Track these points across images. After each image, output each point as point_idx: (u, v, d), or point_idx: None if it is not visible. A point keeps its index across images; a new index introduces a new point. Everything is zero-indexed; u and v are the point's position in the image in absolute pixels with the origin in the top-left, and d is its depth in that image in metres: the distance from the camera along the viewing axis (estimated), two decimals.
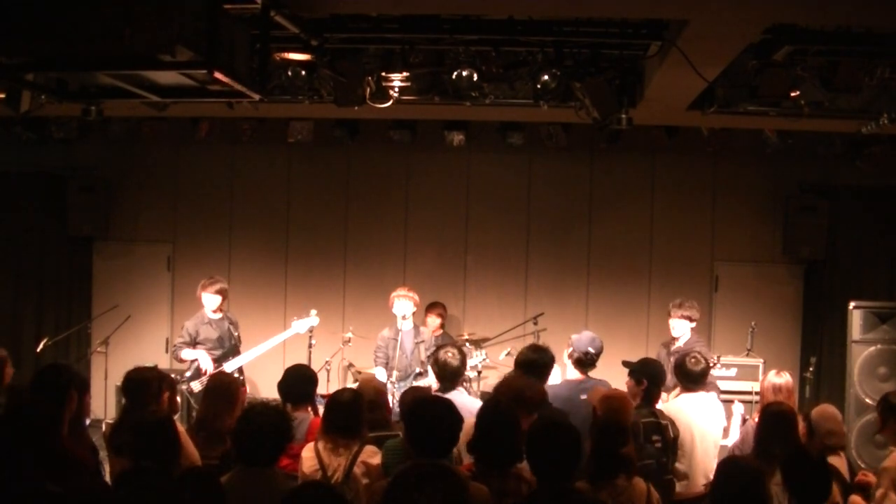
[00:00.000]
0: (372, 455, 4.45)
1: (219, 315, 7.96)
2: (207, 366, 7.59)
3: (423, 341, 7.92)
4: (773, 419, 4.86)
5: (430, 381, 6.28)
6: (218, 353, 7.78)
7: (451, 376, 5.42)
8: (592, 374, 5.92)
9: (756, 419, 5.50)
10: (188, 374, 7.65)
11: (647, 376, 5.49)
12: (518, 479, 3.96)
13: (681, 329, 7.38)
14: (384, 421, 5.02)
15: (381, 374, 7.66)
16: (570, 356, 5.89)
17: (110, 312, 9.18)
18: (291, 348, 8.63)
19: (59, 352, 9.07)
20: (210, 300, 7.88)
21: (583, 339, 5.89)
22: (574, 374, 5.84)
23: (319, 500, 3.04)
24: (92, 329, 9.41)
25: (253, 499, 3.72)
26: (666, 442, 5.26)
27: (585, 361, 5.79)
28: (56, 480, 3.46)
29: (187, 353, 7.76)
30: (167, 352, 9.66)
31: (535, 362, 5.54)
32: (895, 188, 9.11)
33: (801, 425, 5.04)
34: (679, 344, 7.33)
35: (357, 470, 4.36)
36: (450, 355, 5.44)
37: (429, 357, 7.44)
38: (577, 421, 4.83)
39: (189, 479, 3.50)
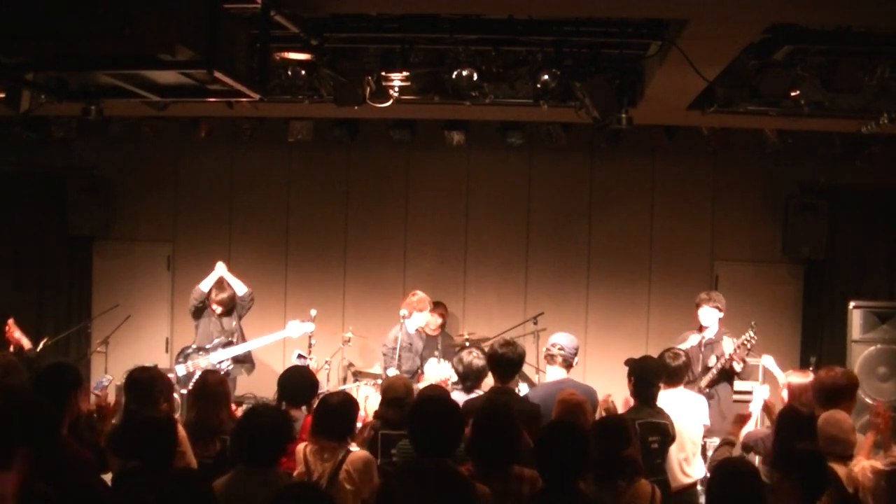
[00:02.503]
0: (358, 462, 4.38)
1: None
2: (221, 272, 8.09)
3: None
4: (792, 423, 4.83)
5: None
6: (209, 342, 7.87)
7: (474, 377, 5.54)
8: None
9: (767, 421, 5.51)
10: (179, 359, 7.76)
11: (633, 374, 5.46)
12: (519, 479, 3.96)
13: (710, 318, 7.36)
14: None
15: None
16: (546, 353, 5.82)
17: (110, 312, 9.18)
18: (292, 347, 8.62)
19: (59, 352, 9.06)
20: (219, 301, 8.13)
21: (557, 337, 5.83)
22: (555, 373, 5.77)
23: (307, 501, 3.05)
24: (92, 329, 9.41)
25: (255, 499, 3.71)
26: (665, 442, 5.25)
27: (563, 358, 5.65)
28: (53, 480, 3.45)
29: (205, 283, 8.19)
30: (167, 351, 9.68)
31: (503, 357, 5.42)
32: (895, 188, 9.11)
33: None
34: (709, 335, 7.35)
35: (342, 476, 4.30)
36: (474, 355, 5.57)
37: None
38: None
39: (180, 479, 3.50)
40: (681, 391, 5.76)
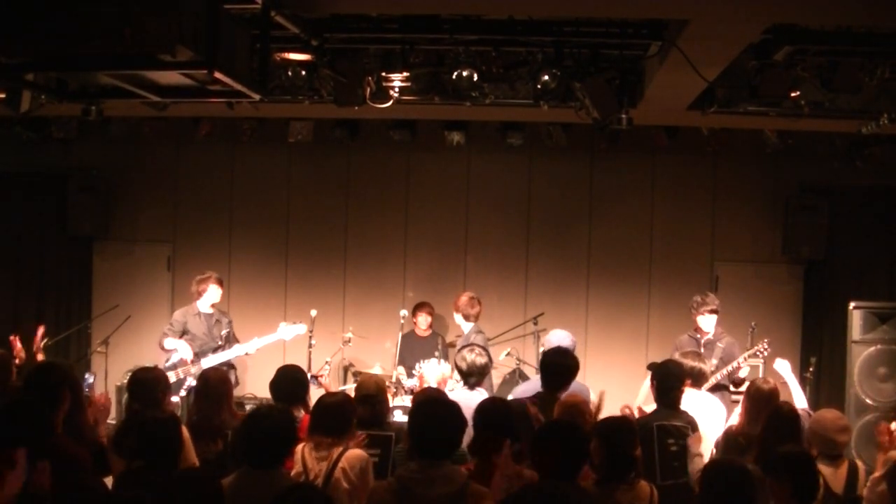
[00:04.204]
0: (353, 460, 4.37)
1: (211, 310, 8.03)
2: (187, 355, 7.69)
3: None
4: (779, 421, 4.84)
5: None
6: (199, 347, 7.85)
7: (478, 374, 5.68)
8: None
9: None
10: (167, 363, 7.69)
11: (655, 378, 5.47)
12: (519, 479, 3.97)
13: (710, 324, 7.40)
14: (382, 418, 5.01)
15: None
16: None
17: (110, 312, 9.18)
18: (291, 348, 8.63)
19: (59, 352, 9.06)
20: (216, 292, 8.04)
21: (551, 337, 5.89)
22: None
23: (307, 502, 3.06)
24: (92, 329, 9.41)
25: (259, 500, 3.70)
26: (686, 445, 5.22)
27: None
28: (54, 480, 3.46)
29: (170, 343, 7.88)
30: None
31: (559, 366, 5.51)
32: (895, 188, 9.10)
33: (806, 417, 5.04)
34: (709, 336, 7.37)
35: (338, 474, 4.29)
36: (476, 353, 5.70)
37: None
38: None
39: (187, 479, 3.50)
40: (703, 394, 5.75)
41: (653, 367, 5.65)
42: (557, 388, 5.45)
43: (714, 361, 7.17)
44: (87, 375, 6.59)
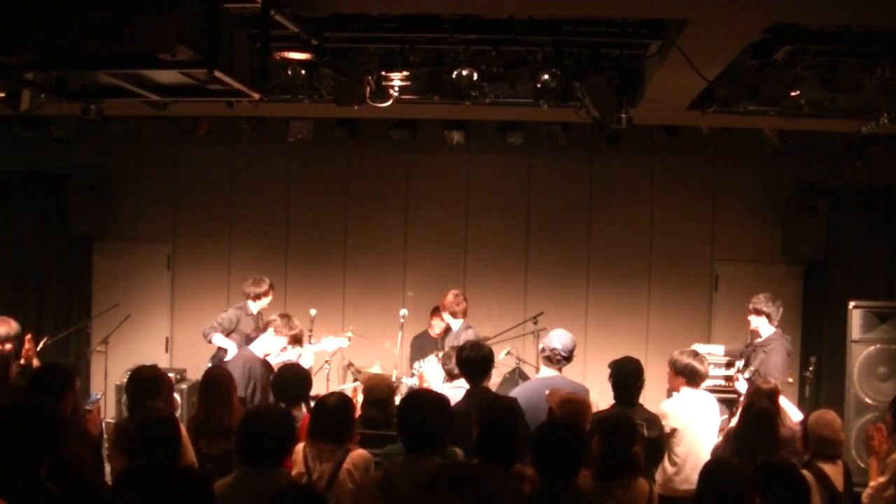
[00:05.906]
0: (358, 460, 4.35)
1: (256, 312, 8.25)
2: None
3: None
4: (754, 418, 4.86)
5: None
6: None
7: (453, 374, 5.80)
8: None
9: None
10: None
11: (612, 376, 5.49)
12: (520, 477, 3.97)
13: (754, 323, 7.36)
14: (390, 420, 5.00)
15: None
16: (542, 353, 5.91)
17: (110, 312, 9.18)
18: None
19: (59, 351, 9.06)
20: (269, 299, 8.27)
21: (552, 336, 5.89)
22: (546, 371, 5.83)
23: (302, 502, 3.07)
24: (92, 329, 9.41)
25: (258, 500, 3.70)
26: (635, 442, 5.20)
27: (553, 358, 5.79)
28: (55, 479, 3.46)
29: (219, 339, 7.98)
30: (167, 351, 9.70)
31: (469, 360, 5.53)
32: (895, 188, 9.11)
33: (800, 429, 5.04)
34: (759, 339, 7.35)
35: (343, 475, 4.27)
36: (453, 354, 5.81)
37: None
38: (539, 415, 5.00)
39: (177, 479, 3.50)
40: (700, 393, 5.75)
41: (610, 365, 5.63)
42: (480, 380, 5.47)
43: (751, 368, 7.04)
44: (93, 394, 6.60)
